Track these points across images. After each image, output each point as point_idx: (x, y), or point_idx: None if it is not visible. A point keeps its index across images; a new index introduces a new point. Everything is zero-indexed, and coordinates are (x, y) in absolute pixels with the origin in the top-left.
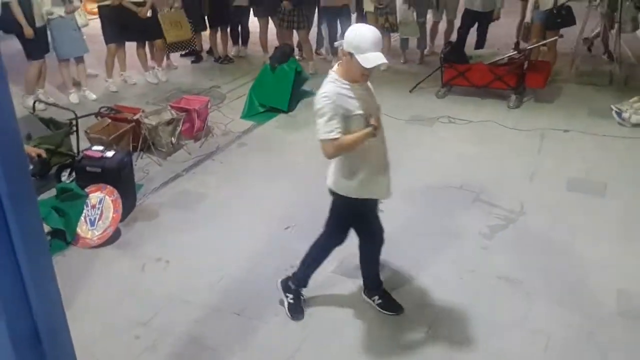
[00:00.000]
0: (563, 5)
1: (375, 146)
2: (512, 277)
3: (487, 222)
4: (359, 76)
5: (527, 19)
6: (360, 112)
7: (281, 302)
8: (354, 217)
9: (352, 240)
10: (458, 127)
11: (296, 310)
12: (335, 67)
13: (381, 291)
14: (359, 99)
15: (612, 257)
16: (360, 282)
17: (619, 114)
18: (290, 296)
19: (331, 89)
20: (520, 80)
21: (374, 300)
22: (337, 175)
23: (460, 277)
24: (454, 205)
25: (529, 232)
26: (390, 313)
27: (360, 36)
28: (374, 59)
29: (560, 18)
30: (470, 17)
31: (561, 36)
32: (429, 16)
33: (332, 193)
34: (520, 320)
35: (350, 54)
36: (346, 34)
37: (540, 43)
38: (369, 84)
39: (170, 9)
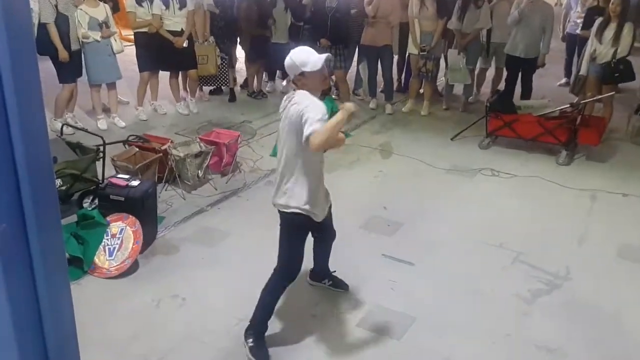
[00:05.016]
0: (621, 59)
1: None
2: (553, 347)
3: (527, 285)
4: (323, 83)
5: (583, 71)
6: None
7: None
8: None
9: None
10: (501, 181)
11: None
12: (300, 91)
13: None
14: None
15: None
16: None
17: None
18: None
19: (312, 97)
20: (572, 135)
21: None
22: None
23: (492, 341)
24: (491, 264)
25: (574, 299)
26: None
27: (300, 56)
28: (318, 59)
29: (618, 72)
30: (512, 63)
31: (618, 92)
32: (477, 63)
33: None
34: None
35: (303, 73)
36: (287, 66)
37: (595, 98)
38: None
39: (204, 42)
